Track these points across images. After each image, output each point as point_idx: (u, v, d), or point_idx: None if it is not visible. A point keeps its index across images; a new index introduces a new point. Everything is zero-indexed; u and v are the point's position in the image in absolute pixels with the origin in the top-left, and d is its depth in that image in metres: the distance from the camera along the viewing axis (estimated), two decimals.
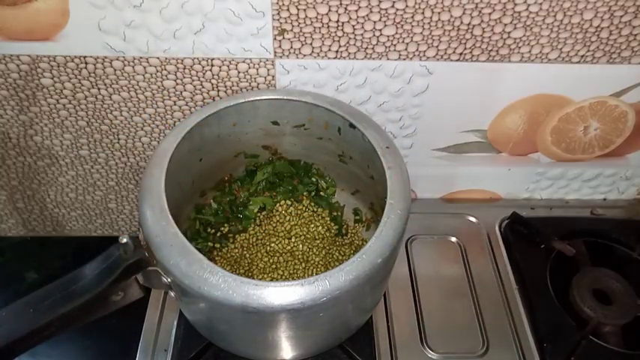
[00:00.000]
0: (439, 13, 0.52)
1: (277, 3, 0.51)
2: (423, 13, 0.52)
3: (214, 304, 0.41)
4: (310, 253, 0.60)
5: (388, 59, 0.57)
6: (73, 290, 0.40)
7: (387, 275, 0.51)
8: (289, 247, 0.60)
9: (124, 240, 0.41)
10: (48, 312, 0.39)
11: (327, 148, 0.60)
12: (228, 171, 0.63)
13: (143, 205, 0.45)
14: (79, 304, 0.40)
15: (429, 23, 0.53)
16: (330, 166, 0.63)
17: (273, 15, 0.52)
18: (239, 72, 0.57)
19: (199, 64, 0.57)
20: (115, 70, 0.57)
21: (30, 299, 0.40)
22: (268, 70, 0.57)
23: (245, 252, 0.60)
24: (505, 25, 0.54)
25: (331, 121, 0.56)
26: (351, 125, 0.53)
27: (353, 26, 0.53)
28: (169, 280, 0.43)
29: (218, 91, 0.60)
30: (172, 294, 0.47)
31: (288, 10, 0.52)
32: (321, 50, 0.56)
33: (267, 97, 0.55)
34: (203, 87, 0.59)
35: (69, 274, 0.41)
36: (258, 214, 0.62)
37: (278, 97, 0.55)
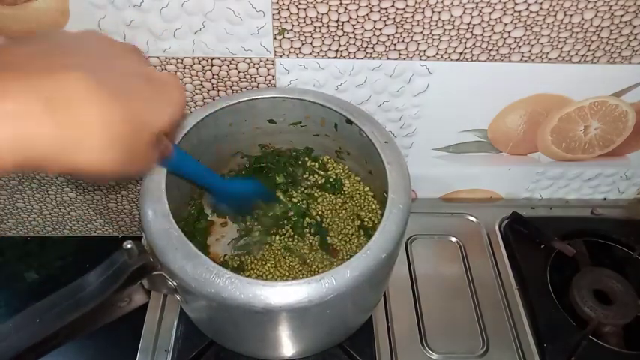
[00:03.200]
0: (439, 12, 0.52)
1: (277, 2, 0.51)
2: (423, 12, 0.52)
3: (222, 306, 0.41)
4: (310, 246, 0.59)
5: (388, 59, 0.57)
6: (79, 298, 0.39)
7: (389, 271, 0.51)
8: (291, 245, 0.60)
9: (128, 245, 0.41)
10: (55, 321, 0.39)
11: (324, 144, 0.60)
12: (225, 170, 0.63)
13: (144, 209, 0.44)
14: (85, 312, 0.39)
15: (429, 23, 0.53)
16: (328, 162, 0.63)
17: (273, 14, 0.52)
18: (239, 71, 0.57)
19: (199, 63, 0.57)
20: None
21: (36, 309, 0.39)
22: (268, 69, 0.57)
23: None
24: (505, 24, 0.54)
25: (328, 118, 0.56)
26: (348, 121, 0.53)
27: (353, 26, 0.53)
28: (175, 283, 0.43)
29: (218, 90, 0.60)
30: (177, 297, 0.46)
31: (288, 9, 0.52)
32: (321, 50, 0.55)
33: (263, 96, 0.55)
34: (203, 86, 0.59)
35: (74, 282, 0.40)
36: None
37: (274, 95, 0.55)
